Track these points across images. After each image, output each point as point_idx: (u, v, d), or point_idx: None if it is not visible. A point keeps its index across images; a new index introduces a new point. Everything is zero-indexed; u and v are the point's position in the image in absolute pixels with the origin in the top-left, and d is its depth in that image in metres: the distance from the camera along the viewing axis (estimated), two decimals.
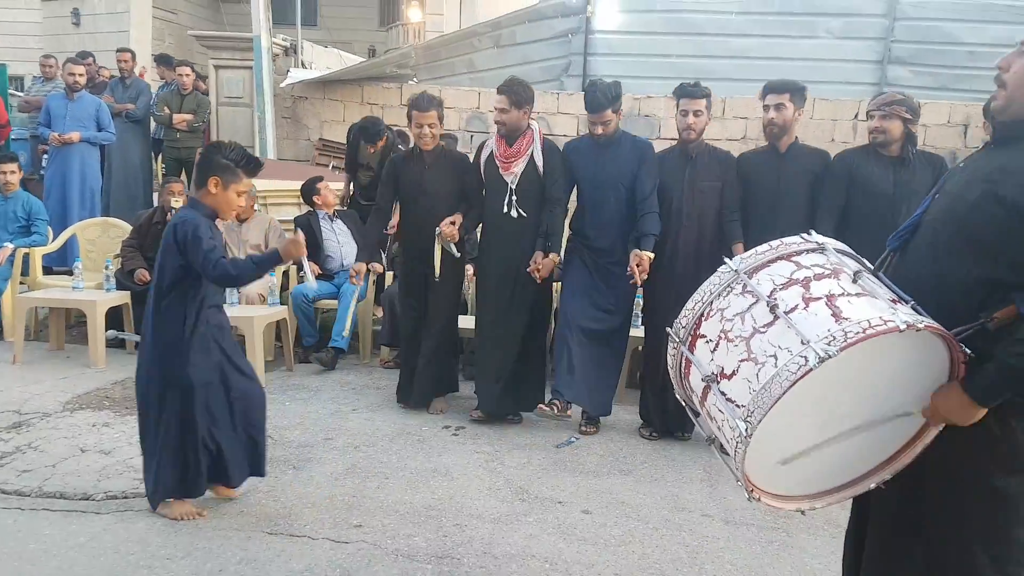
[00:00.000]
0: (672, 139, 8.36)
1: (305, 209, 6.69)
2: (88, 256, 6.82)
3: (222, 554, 3.22)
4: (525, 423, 4.98)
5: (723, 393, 1.89)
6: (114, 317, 6.04)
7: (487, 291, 4.95)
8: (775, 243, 2.04)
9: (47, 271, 6.89)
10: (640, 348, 5.39)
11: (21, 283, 6.53)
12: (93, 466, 4.04)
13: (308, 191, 6.56)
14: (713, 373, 1.94)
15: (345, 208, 6.95)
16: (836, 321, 1.76)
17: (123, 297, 5.99)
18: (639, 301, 4.96)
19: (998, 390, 1.84)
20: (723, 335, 1.94)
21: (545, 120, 9.16)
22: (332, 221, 6.50)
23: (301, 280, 6.33)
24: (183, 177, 8.45)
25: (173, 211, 6.20)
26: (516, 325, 4.86)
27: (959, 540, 1.98)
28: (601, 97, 4.55)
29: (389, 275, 6.52)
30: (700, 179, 4.61)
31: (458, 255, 4.91)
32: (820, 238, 2.03)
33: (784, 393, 1.72)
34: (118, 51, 9.39)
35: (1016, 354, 1.79)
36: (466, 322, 5.48)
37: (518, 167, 4.76)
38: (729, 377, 1.89)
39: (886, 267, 2.12)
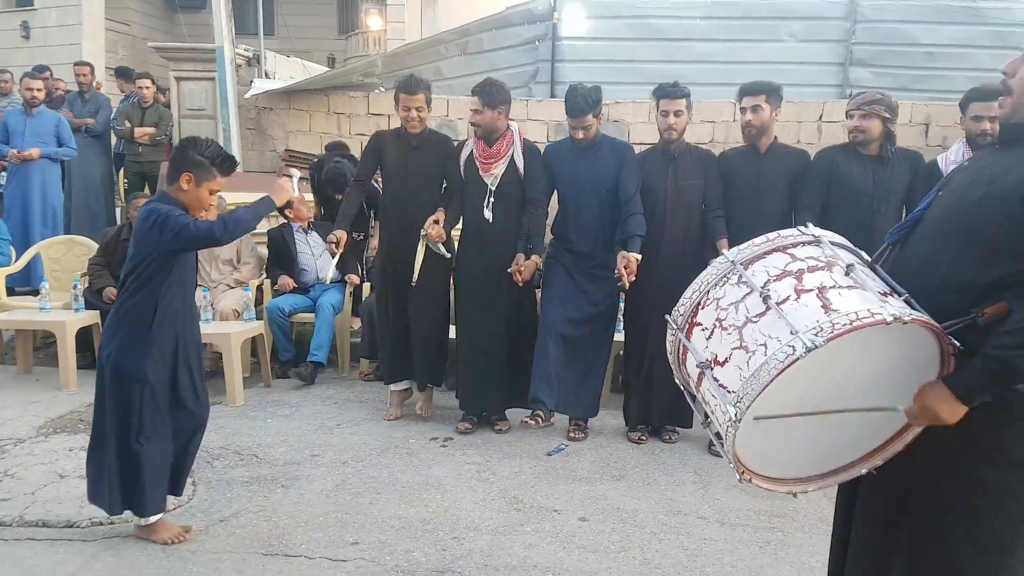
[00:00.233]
0: (641, 144, 8.46)
1: (279, 221, 6.57)
2: (53, 275, 6.65)
3: None
4: (513, 432, 4.93)
5: (716, 379, 1.96)
6: (84, 337, 5.89)
7: (467, 294, 4.90)
8: (772, 235, 2.08)
9: (10, 292, 6.71)
10: (621, 352, 5.39)
11: None
12: (74, 492, 3.89)
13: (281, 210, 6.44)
14: (707, 360, 2.00)
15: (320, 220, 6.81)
16: (825, 312, 1.82)
17: (93, 317, 5.83)
18: (621, 305, 4.95)
19: (982, 385, 1.86)
20: (718, 323, 2.01)
21: (513, 127, 9.14)
22: (307, 234, 6.40)
23: (278, 294, 6.25)
24: (147, 191, 8.31)
25: None
26: (499, 327, 4.83)
27: (942, 530, 2.00)
28: (582, 102, 4.54)
29: (367, 286, 6.44)
30: (683, 178, 4.63)
31: (448, 255, 4.85)
32: (816, 231, 2.08)
33: (772, 380, 1.79)
34: (76, 64, 9.20)
35: (1000, 346, 1.81)
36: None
37: (498, 168, 4.74)
38: (722, 364, 1.96)
39: (884, 260, 2.15)
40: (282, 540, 3.46)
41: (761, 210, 4.47)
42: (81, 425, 4.86)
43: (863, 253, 2.09)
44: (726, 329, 1.97)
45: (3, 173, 7.67)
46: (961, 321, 1.89)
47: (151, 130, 8.81)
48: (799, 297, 1.88)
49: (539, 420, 4.51)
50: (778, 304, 1.89)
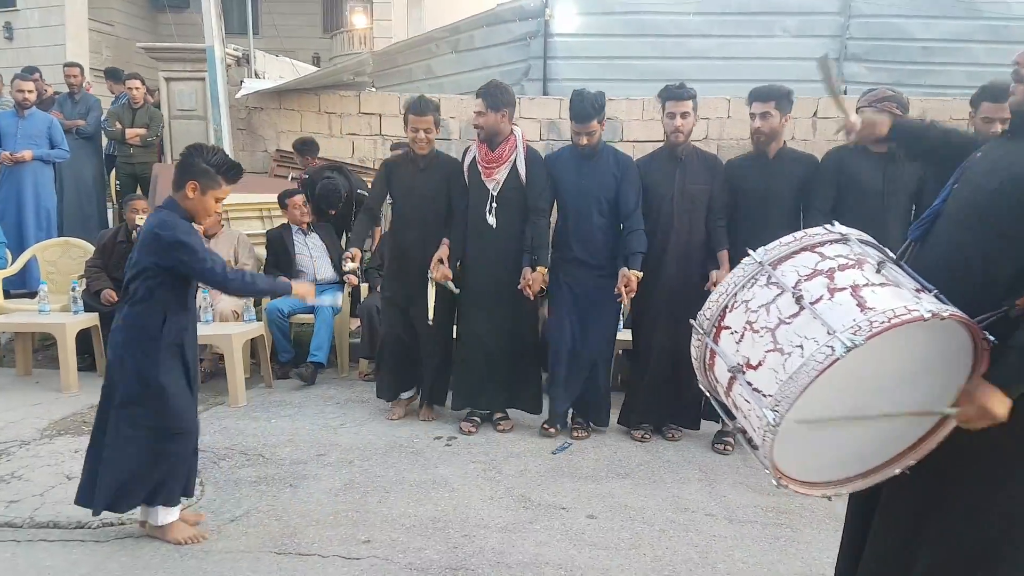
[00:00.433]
0: (634, 142, 8.51)
1: (278, 222, 6.60)
2: (49, 278, 6.62)
3: None
4: (515, 431, 4.97)
5: (749, 383, 1.92)
6: (82, 340, 5.88)
7: (471, 297, 4.91)
8: (799, 234, 2.06)
9: (5, 295, 6.68)
10: (621, 352, 5.44)
11: None
12: None
13: (282, 203, 6.51)
14: (739, 364, 1.96)
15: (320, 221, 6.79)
16: (861, 311, 1.79)
17: (92, 319, 5.83)
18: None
19: (1020, 374, 1.88)
20: (748, 326, 1.97)
21: (517, 132, 9.16)
22: (306, 235, 6.42)
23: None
24: (139, 192, 8.29)
25: (138, 228, 6.07)
26: (502, 331, 4.86)
27: (975, 527, 2.01)
28: (588, 107, 4.54)
29: (364, 287, 6.46)
30: (690, 182, 4.61)
31: (456, 292, 4.87)
32: (843, 229, 2.06)
33: (811, 382, 1.75)
34: (65, 65, 9.15)
35: None
36: None
37: (500, 174, 4.75)
38: (755, 367, 1.91)
39: (907, 257, 2.15)
40: (294, 539, 3.49)
41: (770, 217, 4.44)
42: (84, 427, 4.86)
43: (888, 251, 2.07)
44: (758, 332, 1.94)
45: None
46: (994, 315, 1.89)
47: (142, 131, 8.79)
48: (832, 296, 1.85)
49: (558, 429, 4.80)
50: (812, 304, 1.85)
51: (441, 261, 4.78)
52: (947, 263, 2.03)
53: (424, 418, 5.14)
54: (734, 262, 4.51)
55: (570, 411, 4.97)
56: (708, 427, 4.86)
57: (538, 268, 4.67)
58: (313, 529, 3.58)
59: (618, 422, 4.97)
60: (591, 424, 4.95)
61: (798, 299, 1.88)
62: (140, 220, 6.10)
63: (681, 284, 4.63)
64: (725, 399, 2.10)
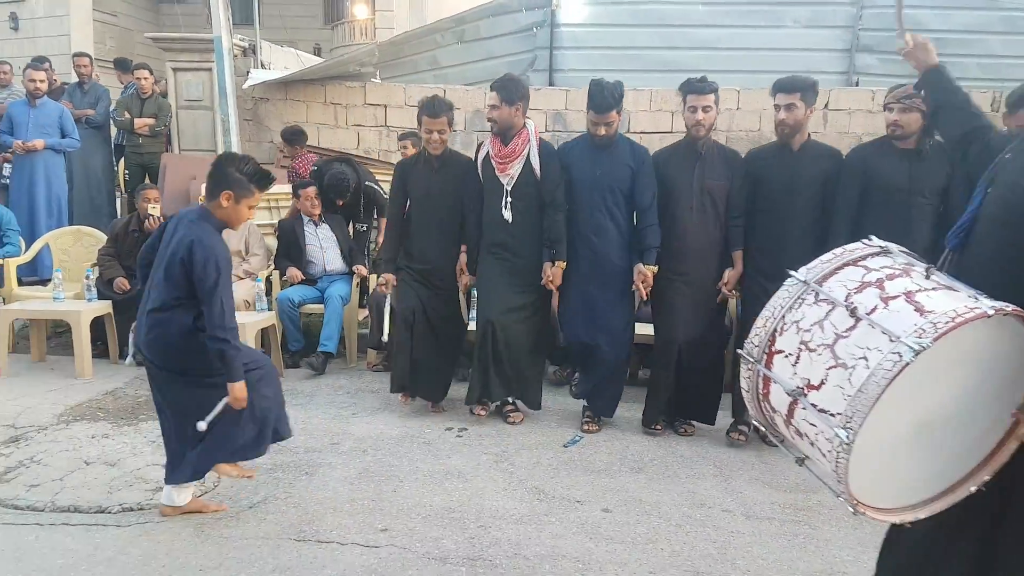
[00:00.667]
0: (640, 133, 8.51)
1: (284, 212, 6.64)
2: (62, 266, 6.67)
3: (255, 563, 3.21)
4: (527, 423, 5.00)
5: (814, 405, 1.84)
6: (95, 327, 5.93)
7: (488, 293, 4.91)
8: (838, 251, 2.02)
9: (18, 282, 6.72)
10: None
11: None
12: (101, 478, 3.98)
13: (295, 193, 6.57)
14: (799, 387, 1.88)
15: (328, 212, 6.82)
16: (920, 315, 1.74)
17: (105, 307, 5.89)
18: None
19: None
20: (803, 346, 1.89)
21: (530, 126, 9.16)
22: (317, 226, 6.46)
23: (285, 285, 6.30)
24: (148, 182, 8.32)
25: (151, 218, 6.12)
26: (517, 326, 4.87)
27: None
28: (608, 97, 4.52)
29: (372, 278, 6.50)
30: (709, 177, 4.57)
31: (470, 318, 5.09)
32: (882, 242, 2.02)
33: (882, 392, 1.69)
34: (75, 55, 9.20)
35: None
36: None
37: (514, 168, 4.76)
38: (818, 387, 1.84)
39: (947, 267, 2.11)
40: (312, 526, 3.54)
41: (792, 210, 4.41)
42: (100, 413, 4.93)
43: (929, 265, 1.99)
44: (815, 350, 1.86)
45: (8, 165, 7.66)
46: None
47: (150, 121, 8.82)
48: (887, 304, 1.80)
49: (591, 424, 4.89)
50: (868, 314, 1.79)
51: (463, 271, 4.88)
52: (997, 264, 1.99)
53: (434, 410, 5.18)
54: (753, 255, 4.57)
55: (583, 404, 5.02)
56: (721, 422, 4.88)
57: (557, 263, 4.70)
58: (331, 517, 3.64)
59: (642, 424, 4.94)
60: (600, 417, 4.98)
61: (852, 311, 1.82)
62: (152, 209, 6.15)
63: (700, 280, 4.63)
64: (786, 429, 2.01)
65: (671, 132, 8.65)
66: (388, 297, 5.14)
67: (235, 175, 3.42)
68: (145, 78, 8.86)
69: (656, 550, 3.44)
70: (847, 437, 1.72)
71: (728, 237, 4.62)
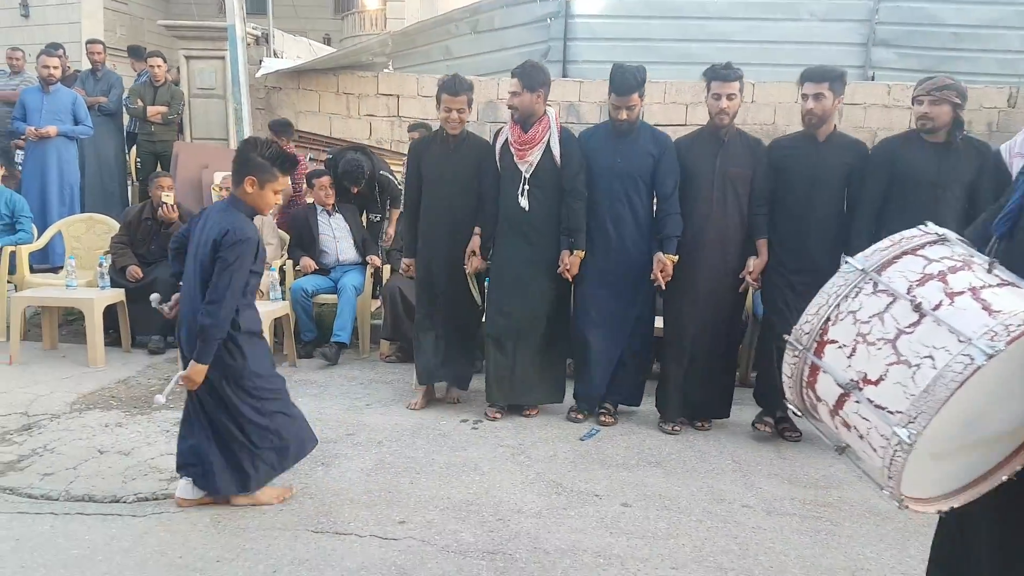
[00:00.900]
0: (654, 125, 8.42)
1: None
2: (75, 253, 6.64)
3: (272, 554, 3.18)
4: (542, 416, 4.95)
5: (870, 400, 1.76)
6: (108, 315, 5.90)
7: (504, 283, 4.84)
8: (895, 238, 1.93)
9: (30, 269, 6.70)
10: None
11: (8, 282, 6.36)
12: (115, 467, 3.96)
13: (309, 183, 6.55)
14: (853, 380, 1.80)
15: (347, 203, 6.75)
16: (990, 315, 1.66)
17: (119, 295, 5.85)
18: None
19: None
20: (860, 338, 1.81)
21: (550, 113, 9.12)
22: (330, 216, 6.41)
23: (299, 275, 6.26)
24: (160, 170, 8.28)
25: (164, 206, 6.09)
26: (534, 317, 4.81)
27: None
28: (631, 79, 4.46)
29: (387, 268, 6.46)
30: (731, 164, 4.51)
31: (480, 301, 5.01)
32: (939, 229, 1.94)
33: (951, 395, 1.61)
34: (88, 42, 9.17)
35: None
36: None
37: (533, 156, 4.68)
38: (875, 383, 1.76)
39: (993, 254, 2.01)
40: (330, 518, 3.50)
41: (816, 201, 4.36)
42: (113, 402, 4.90)
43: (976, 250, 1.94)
44: (874, 344, 1.78)
45: (21, 151, 7.64)
46: None
47: (163, 109, 8.79)
48: (952, 301, 1.72)
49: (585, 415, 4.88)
50: (933, 310, 1.72)
51: (474, 252, 4.80)
52: None
53: (450, 400, 5.14)
54: (773, 246, 4.51)
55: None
56: (737, 416, 4.84)
57: (575, 252, 4.65)
58: (348, 508, 3.60)
59: (655, 406, 4.91)
60: (623, 405, 4.94)
61: (917, 307, 1.74)
62: (166, 197, 6.12)
63: (719, 271, 4.57)
64: (830, 419, 1.94)
65: (684, 124, 8.61)
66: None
67: (257, 160, 3.40)
68: (159, 66, 8.83)
69: (677, 545, 3.40)
70: (908, 437, 1.66)
71: (752, 225, 4.56)
